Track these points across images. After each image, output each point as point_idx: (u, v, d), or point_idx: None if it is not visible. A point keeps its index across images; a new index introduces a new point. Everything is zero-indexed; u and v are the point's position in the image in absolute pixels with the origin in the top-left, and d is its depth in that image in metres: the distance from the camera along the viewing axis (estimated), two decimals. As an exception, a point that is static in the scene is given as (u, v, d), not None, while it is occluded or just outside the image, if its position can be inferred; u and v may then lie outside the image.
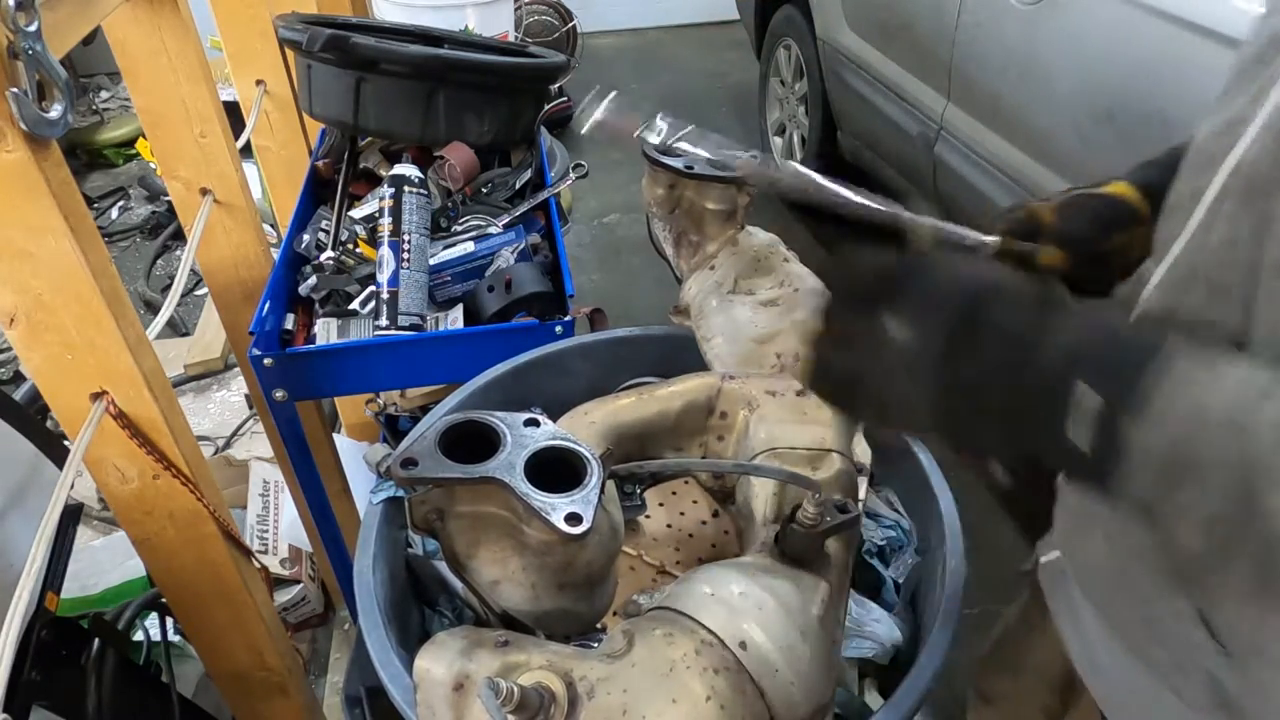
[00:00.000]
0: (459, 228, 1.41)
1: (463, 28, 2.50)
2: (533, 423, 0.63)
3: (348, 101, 1.40)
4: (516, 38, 3.61)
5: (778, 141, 3.54)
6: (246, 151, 1.48)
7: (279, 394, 1.24)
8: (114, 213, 3.66)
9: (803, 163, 3.29)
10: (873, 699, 0.83)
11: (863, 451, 0.84)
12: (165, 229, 3.44)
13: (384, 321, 1.23)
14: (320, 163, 1.58)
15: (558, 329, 1.20)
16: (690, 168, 0.95)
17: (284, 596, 1.82)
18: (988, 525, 2.14)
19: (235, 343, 1.60)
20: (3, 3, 0.65)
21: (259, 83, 1.64)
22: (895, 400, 0.50)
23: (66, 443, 0.92)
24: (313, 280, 1.30)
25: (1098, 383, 0.42)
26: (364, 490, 1.48)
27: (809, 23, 3.04)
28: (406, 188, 1.27)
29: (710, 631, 0.57)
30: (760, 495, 0.72)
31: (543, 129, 1.69)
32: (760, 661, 0.57)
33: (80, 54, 4.34)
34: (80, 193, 0.80)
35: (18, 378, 2.57)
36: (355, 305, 1.28)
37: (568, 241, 2.34)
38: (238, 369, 2.58)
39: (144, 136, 1.35)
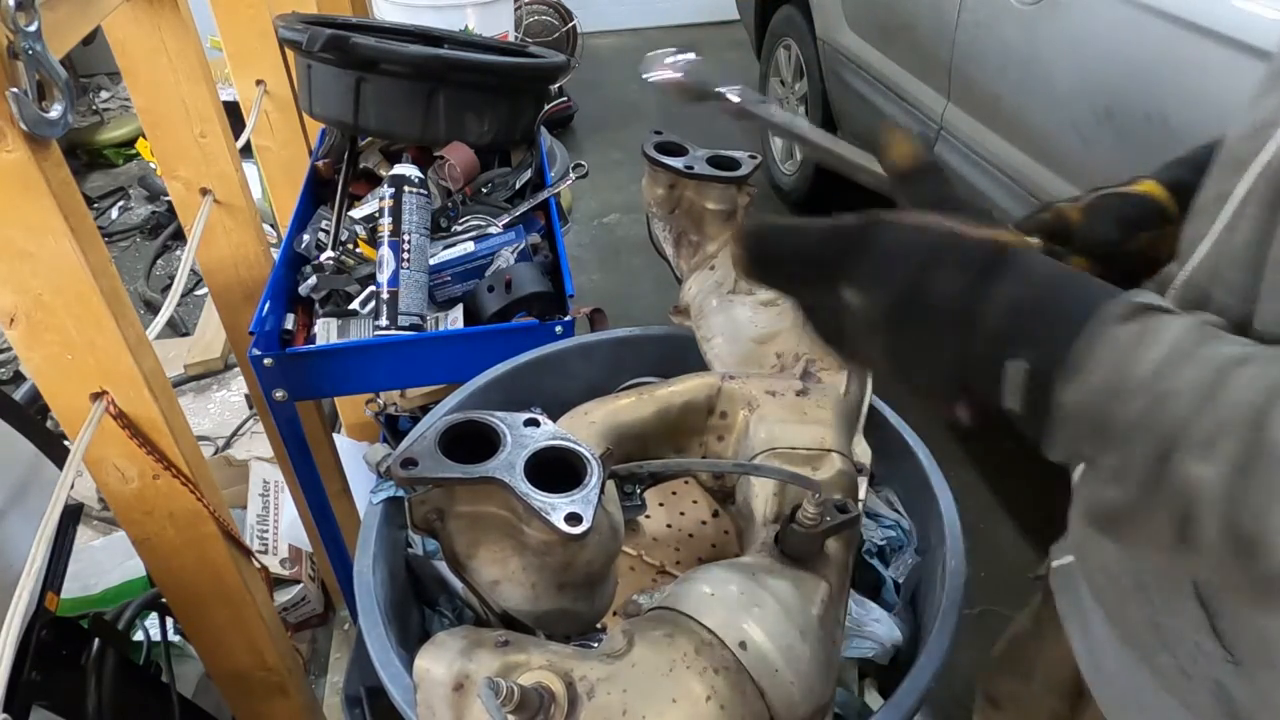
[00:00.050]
0: (459, 228, 1.41)
1: (463, 28, 2.50)
2: (533, 423, 0.63)
3: (348, 101, 1.40)
4: (516, 38, 3.62)
5: (778, 141, 3.54)
6: (246, 151, 1.48)
7: (279, 394, 1.24)
8: (114, 213, 3.66)
9: (803, 164, 3.30)
10: (873, 699, 0.83)
11: (863, 451, 0.84)
12: (165, 229, 3.44)
13: (384, 321, 1.23)
14: (320, 163, 1.58)
15: (558, 329, 1.20)
16: (690, 168, 0.95)
17: (284, 596, 1.82)
18: (988, 525, 2.15)
19: (235, 343, 1.60)
20: (3, 3, 0.65)
21: (259, 83, 1.64)
22: (844, 340, 0.53)
23: (66, 443, 0.92)
24: (313, 280, 1.30)
25: (1030, 353, 0.44)
26: (364, 490, 1.48)
27: (809, 23, 3.04)
28: (406, 188, 1.27)
29: (710, 631, 0.57)
30: (760, 495, 0.72)
31: (543, 129, 1.70)
32: (760, 661, 0.57)
33: (80, 54, 4.34)
34: (80, 193, 0.80)
35: (18, 378, 2.57)
36: (355, 305, 1.28)
37: (568, 241, 2.35)
38: (238, 369, 2.58)
39: (144, 136, 1.35)
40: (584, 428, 0.78)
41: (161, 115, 1.27)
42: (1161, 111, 1.49)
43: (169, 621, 1.29)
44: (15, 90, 0.68)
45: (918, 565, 0.88)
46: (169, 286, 2.74)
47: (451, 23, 2.72)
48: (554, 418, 0.70)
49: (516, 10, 3.97)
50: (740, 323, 0.91)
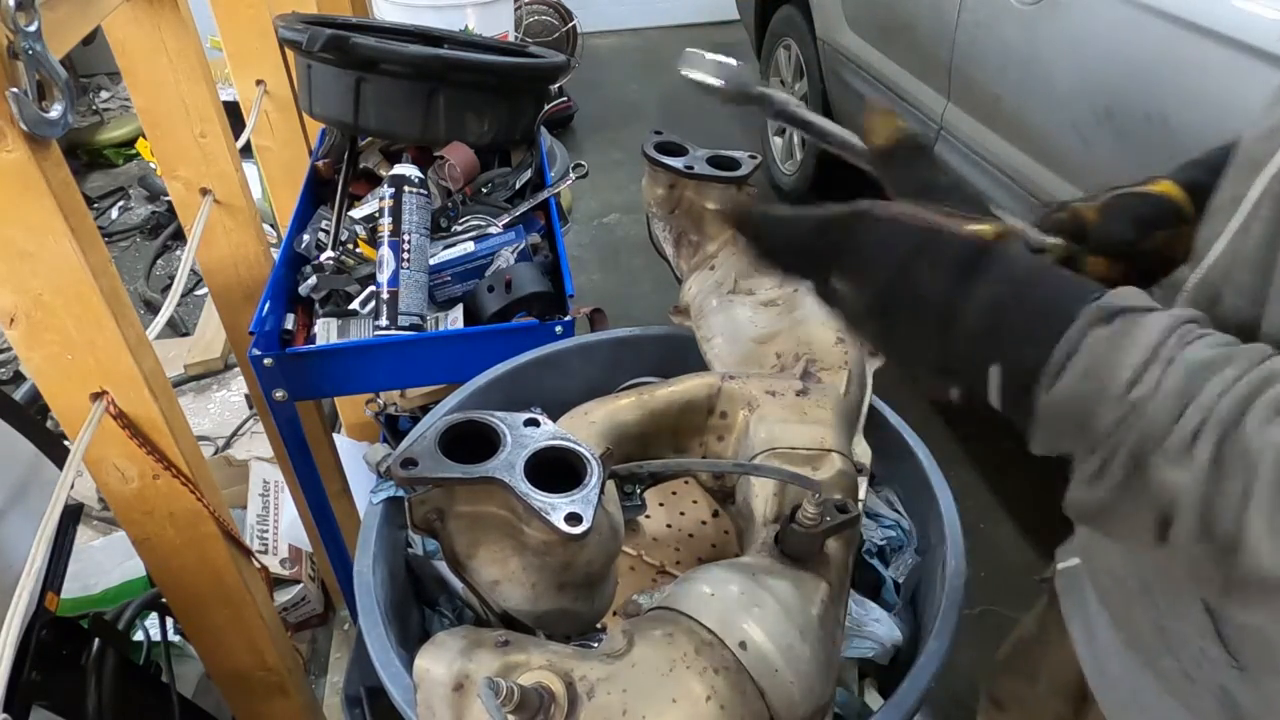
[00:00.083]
0: (459, 228, 1.41)
1: (463, 28, 2.50)
2: (533, 423, 0.63)
3: (348, 101, 1.40)
4: (516, 38, 3.61)
5: (778, 141, 3.54)
6: (246, 151, 1.48)
7: (279, 394, 1.24)
8: (114, 213, 3.66)
9: (803, 164, 3.30)
10: (873, 699, 0.83)
11: (863, 451, 0.84)
12: (165, 229, 3.44)
13: (384, 321, 1.23)
14: (320, 163, 1.58)
15: (558, 329, 1.20)
16: (690, 168, 0.95)
17: (284, 596, 1.82)
18: (988, 525, 2.15)
19: (235, 343, 1.60)
20: (3, 3, 0.65)
21: (259, 83, 1.64)
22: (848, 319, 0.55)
23: (66, 443, 0.92)
24: (313, 280, 1.30)
25: (1011, 354, 0.45)
26: (364, 490, 1.48)
27: (809, 23, 3.05)
28: (406, 188, 1.27)
29: (710, 631, 0.57)
30: (760, 495, 0.72)
31: (543, 129, 1.69)
32: (760, 661, 0.57)
33: (80, 54, 4.34)
34: (80, 193, 0.80)
35: (18, 378, 2.57)
36: (355, 305, 1.28)
37: (568, 241, 2.35)
38: (238, 369, 2.58)
39: (144, 136, 1.35)
40: (584, 428, 0.78)
41: (161, 115, 1.27)
42: (1161, 111, 1.49)
43: (169, 621, 1.29)
44: (15, 90, 0.68)
45: (918, 565, 0.88)
46: (169, 286, 2.74)
47: (451, 23, 2.72)
48: (554, 418, 0.70)
49: (516, 10, 3.97)
50: (740, 323, 0.91)
